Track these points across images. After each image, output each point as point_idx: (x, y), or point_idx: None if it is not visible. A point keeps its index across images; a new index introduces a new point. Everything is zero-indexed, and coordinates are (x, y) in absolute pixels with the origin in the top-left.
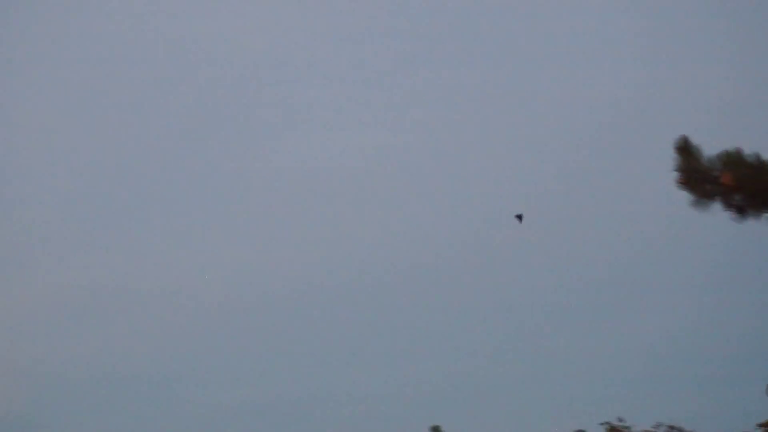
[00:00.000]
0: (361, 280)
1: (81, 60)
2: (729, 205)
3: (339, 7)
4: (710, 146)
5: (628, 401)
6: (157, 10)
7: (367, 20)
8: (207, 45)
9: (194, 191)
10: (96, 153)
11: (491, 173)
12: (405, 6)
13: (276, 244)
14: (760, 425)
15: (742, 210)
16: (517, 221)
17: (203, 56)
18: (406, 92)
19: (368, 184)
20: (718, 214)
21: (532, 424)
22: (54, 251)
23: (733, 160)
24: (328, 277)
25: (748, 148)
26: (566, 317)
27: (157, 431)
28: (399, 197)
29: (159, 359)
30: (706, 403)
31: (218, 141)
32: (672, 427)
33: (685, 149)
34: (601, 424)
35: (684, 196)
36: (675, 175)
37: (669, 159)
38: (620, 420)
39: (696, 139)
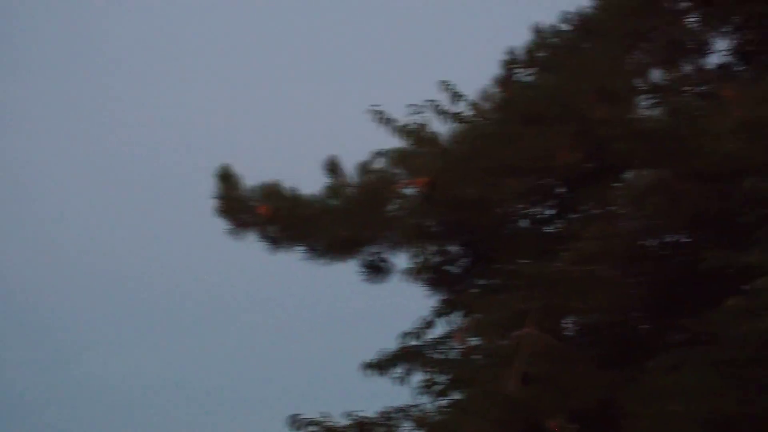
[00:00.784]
0: None
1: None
2: (264, 235)
3: None
4: (251, 177)
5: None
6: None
7: None
8: None
9: None
10: None
11: None
12: None
13: None
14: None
15: (276, 241)
16: None
17: None
18: None
19: None
20: (253, 243)
21: None
22: None
23: (270, 191)
24: None
25: (288, 182)
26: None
27: None
28: None
29: None
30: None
31: None
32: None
33: (226, 178)
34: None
35: (223, 224)
36: (215, 202)
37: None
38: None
39: (237, 168)
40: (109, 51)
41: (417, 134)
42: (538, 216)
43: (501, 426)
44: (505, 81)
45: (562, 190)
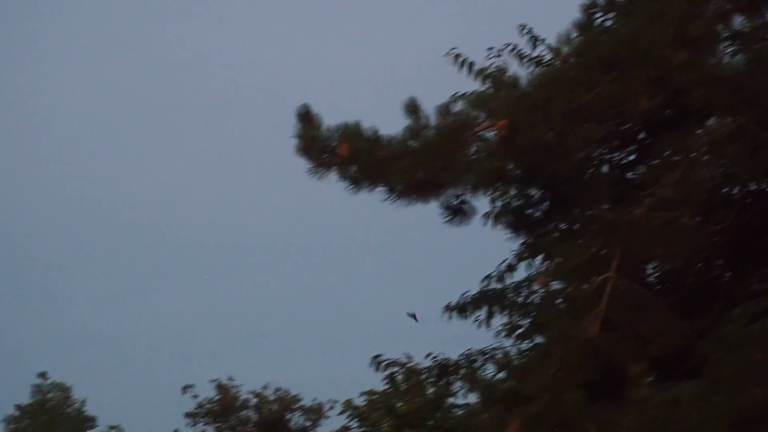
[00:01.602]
0: None
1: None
2: (344, 175)
3: None
4: (331, 117)
5: (240, 361)
6: None
7: None
8: None
9: None
10: None
11: None
12: None
13: None
14: (364, 393)
15: (356, 182)
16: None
17: None
18: None
19: None
20: (334, 183)
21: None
22: None
23: (350, 132)
24: None
25: (367, 122)
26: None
27: None
28: None
29: None
30: (314, 369)
31: None
32: (279, 389)
33: (306, 117)
34: (211, 381)
35: (303, 164)
36: (295, 141)
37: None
38: (230, 378)
39: (317, 109)
40: None
41: (496, 77)
42: (618, 161)
43: (580, 370)
44: (585, 25)
45: (642, 135)
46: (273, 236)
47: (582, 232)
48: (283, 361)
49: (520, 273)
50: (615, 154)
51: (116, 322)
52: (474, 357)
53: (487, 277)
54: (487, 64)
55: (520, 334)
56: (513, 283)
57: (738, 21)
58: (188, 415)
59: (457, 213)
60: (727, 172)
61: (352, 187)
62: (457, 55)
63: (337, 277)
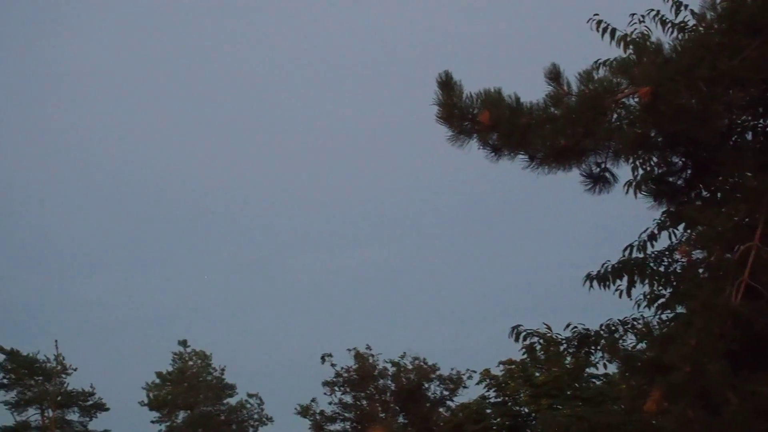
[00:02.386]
0: None
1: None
2: (485, 143)
3: None
4: (472, 84)
5: (375, 330)
6: None
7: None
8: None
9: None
10: None
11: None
12: None
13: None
14: (502, 363)
15: (497, 149)
16: None
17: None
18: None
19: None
20: (474, 151)
21: (283, 344)
22: None
23: (491, 99)
24: None
25: (508, 89)
26: (312, 243)
27: None
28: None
29: None
30: (449, 339)
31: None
32: (416, 358)
33: (447, 84)
34: (349, 350)
35: (443, 131)
36: (436, 109)
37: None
38: (368, 347)
39: (458, 76)
40: None
41: (639, 44)
42: (763, 128)
43: (722, 340)
44: None
45: None
46: (410, 205)
47: (725, 200)
48: (420, 330)
49: (662, 242)
50: (759, 121)
51: (256, 290)
52: (614, 327)
53: (629, 246)
54: (629, 30)
55: (661, 303)
56: (654, 252)
57: None
58: (326, 383)
59: (599, 181)
60: None
61: (492, 154)
62: (599, 22)
63: (475, 245)
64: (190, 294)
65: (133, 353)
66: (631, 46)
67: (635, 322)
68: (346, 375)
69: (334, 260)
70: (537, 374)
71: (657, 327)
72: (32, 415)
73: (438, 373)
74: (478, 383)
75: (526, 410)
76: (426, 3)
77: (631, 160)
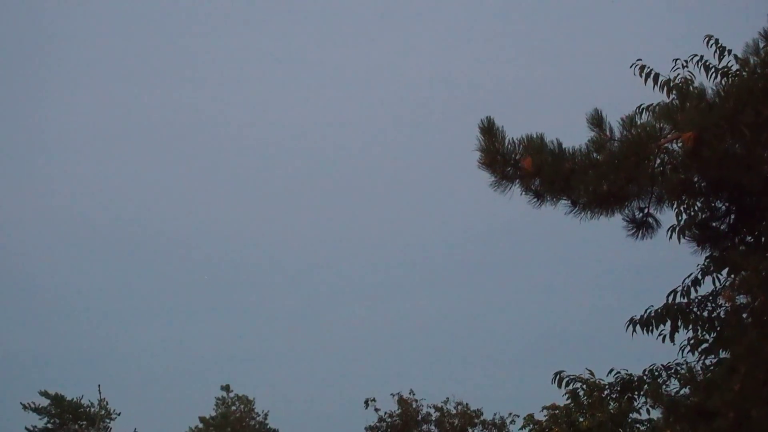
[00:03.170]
0: None
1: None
2: (528, 189)
3: None
4: (514, 130)
5: (419, 375)
6: None
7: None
8: None
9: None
10: None
11: None
12: None
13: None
14: (546, 407)
15: (539, 195)
16: None
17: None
18: None
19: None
20: (516, 197)
21: (327, 390)
22: None
23: (534, 145)
24: None
25: (550, 135)
26: (363, 291)
27: None
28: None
29: None
30: (494, 383)
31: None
32: (460, 403)
33: (489, 130)
34: (393, 395)
35: (485, 177)
36: (478, 155)
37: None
38: (411, 392)
39: (500, 121)
40: None
41: (682, 89)
42: None
43: (766, 386)
44: None
45: None
46: (451, 253)
47: None
48: (463, 375)
49: (706, 287)
50: None
51: (299, 338)
52: (658, 372)
53: (672, 291)
54: (673, 75)
55: (704, 349)
56: (698, 297)
57: None
58: (369, 428)
59: (642, 226)
60: None
61: (535, 200)
62: (642, 67)
63: (516, 292)
64: (234, 341)
65: (177, 398)
66: (674, 91)
67: (678, 368)
68: (389, 420)
69: (379, 308)
70: (581, 419)
71: (700, 372)
72: None
73: (482, 418)
74: (521, 428)
75: None
76: (463, 50)
77: (674, 206)
